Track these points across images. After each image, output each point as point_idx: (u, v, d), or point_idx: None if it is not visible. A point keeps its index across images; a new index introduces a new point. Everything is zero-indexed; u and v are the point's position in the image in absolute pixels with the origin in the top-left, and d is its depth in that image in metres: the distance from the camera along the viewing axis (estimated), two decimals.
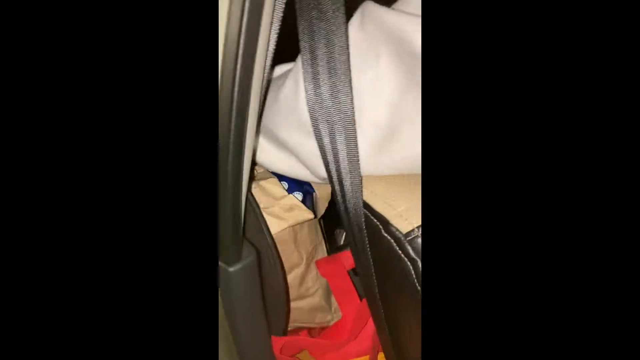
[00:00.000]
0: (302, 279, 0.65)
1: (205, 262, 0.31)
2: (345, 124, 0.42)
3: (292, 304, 0.66)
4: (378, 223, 0.44)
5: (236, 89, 0.37)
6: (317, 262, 0.71)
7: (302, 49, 0.41)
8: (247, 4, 0.33)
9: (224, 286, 0.48)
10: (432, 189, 0.29)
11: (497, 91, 0.28)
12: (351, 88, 0.41)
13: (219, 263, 0.47)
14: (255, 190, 0.57)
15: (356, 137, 0.43)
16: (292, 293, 0.65)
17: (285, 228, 0.58)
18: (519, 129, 0.28)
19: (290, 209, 0.58)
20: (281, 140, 0.51)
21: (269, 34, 0.38)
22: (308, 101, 0.42)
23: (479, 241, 0.28)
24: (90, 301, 0.29)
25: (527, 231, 0.27)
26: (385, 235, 0.43)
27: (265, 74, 0.41)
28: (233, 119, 0.38)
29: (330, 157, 0.44)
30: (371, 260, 0.46)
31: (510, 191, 0.28)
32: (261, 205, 0.56)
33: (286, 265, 0.62)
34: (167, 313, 0.30)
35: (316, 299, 0.68)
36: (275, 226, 0.57)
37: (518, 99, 0.28)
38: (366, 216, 0.45)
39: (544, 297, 0.27)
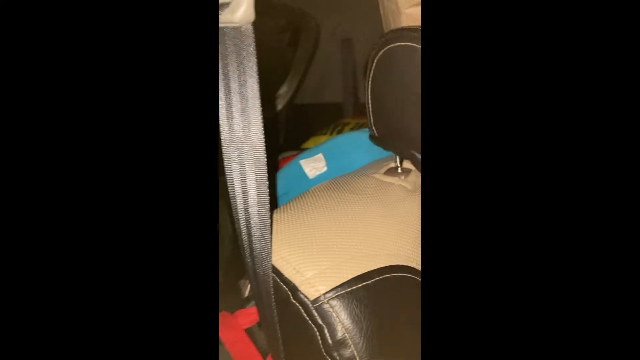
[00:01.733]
0: None
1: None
2: (256, 162, 0.39)
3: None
4: (287, 289, 0.44)
5: None
6: None
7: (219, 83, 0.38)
8: None
9: None
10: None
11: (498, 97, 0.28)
12: (261, 119, 0.38)
13: None
14: None
15: (266, 181, 0.40)
16: None
17: None
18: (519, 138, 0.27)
19: None
20: None
21: None
22: (223, 138, 0.39)
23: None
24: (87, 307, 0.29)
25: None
26: (294, 302, 0.43)
27: None
28: None
29: (239, 201, 0.42)
30: (278, 328, 0.46)
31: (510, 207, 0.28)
32: None
33: None
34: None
35: None
36: None
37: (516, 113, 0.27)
38: (275, 282, 0.45)
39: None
